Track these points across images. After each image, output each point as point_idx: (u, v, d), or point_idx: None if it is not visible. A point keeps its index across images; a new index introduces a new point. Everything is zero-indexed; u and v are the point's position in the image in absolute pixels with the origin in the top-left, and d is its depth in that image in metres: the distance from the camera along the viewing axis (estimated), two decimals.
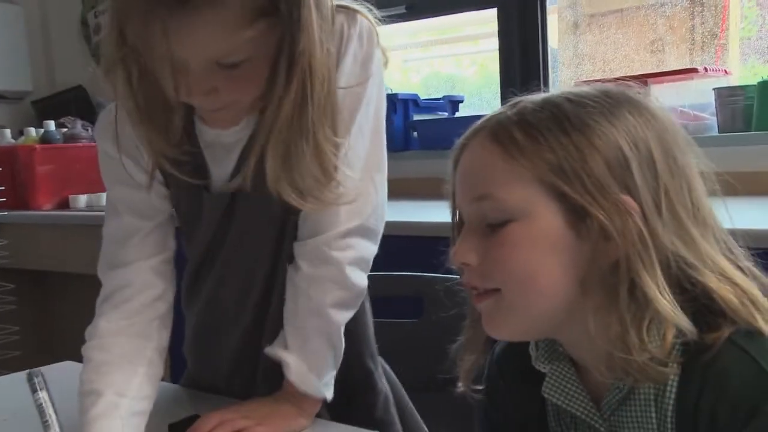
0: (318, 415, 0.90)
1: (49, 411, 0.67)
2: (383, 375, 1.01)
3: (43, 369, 1.20)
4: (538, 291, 0.69)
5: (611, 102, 0.69)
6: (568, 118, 0.67)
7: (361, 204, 0.85)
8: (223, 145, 0.86)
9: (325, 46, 0.77)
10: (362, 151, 0.86)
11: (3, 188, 2.47)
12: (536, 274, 0.68)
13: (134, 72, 0.76)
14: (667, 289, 0.64)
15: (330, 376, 0.89)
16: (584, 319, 0.68)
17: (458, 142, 0.74)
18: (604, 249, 0.65)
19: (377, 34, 0.86)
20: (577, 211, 0.66)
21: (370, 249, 0.89)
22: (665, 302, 0.63)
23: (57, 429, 0.67)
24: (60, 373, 1.19)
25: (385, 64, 0.88)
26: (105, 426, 0.77)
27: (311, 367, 0.86)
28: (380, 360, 1.02)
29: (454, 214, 0.76)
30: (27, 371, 0.69)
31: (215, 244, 0.92)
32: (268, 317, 0.92)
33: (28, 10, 3.16)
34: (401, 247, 1.63)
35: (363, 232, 0.87)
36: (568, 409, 0.74)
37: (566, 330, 0.72)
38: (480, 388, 0.79)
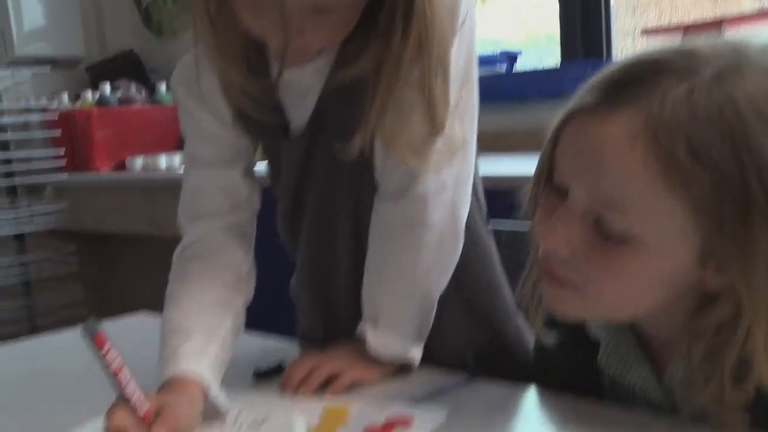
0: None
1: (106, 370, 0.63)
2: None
3: (117, 321, 1.23)
4: (631, 309, 0.64)
5: None
6: (755, 164, 0.54)
7: (459, 157, 0.80)
8: (300, 87, 0.83)
9: None
10: (473, 102, 0.81)
11: (62, 151, 2.52)
12: (638, 300, 0.62)
13: (212, 5, 0.75)
14: None
15: (417, 343, 0.85)
16: (671, 317, 0.63)
17: (587, 99, 0.60)
18: (725, 303, 0.58)
19: None
20: (715, 260, 0.57)
21: (465, 207, 0.85)
22: None
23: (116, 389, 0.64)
24: (133, 324, 1.21)
25: None
26: (194, 367, 0.75)
27: (392, 337, 0.83)
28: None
29: (546, 169, 0.65)
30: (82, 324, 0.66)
31: (300, 194, 0.90)
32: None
33: None
34: None
35: (459, 187, 0.83)
36: (625, 382, 0.70)
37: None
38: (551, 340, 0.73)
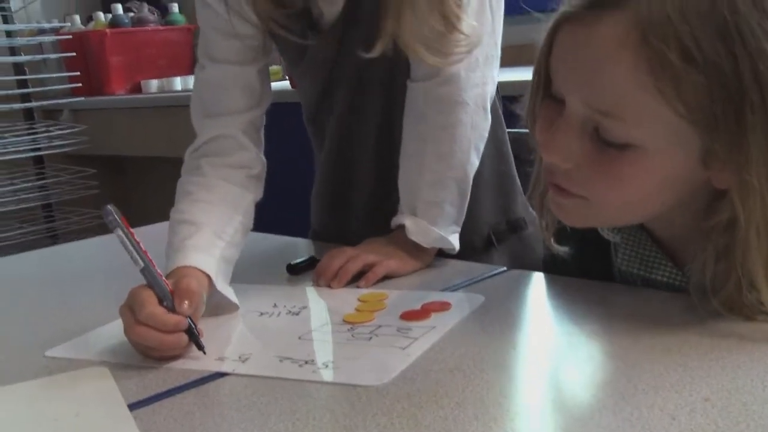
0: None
1: (129, 247, 0.67)
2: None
3: (142, 229, 1.24)
4: (638, 213, 0.64)
5: None
6: (749, 56, 0.53)
7: (488, 36, 0.81)
8: None
9: None
10: None
11: (77, 74, 2.49)
12: (644, 204, 0.61)
13: None
14: None
15: (456, 228, 0.86)
16: (683, 217, 0.63)
17: (575, 2, 0.58)
18: (731, 200, 0.57)
19: None
20: (717, 159, 0.56)
21: (492, 84, 0.85)
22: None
23: (141, 263, 0.67)
24: (158, 231, 1.22)
25: None
26: (203, 260, 0.75)
27: (432, 221, 0.83)
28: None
29: (542, 79, 0.63)
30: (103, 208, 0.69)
31: (329, 91, 0.89)
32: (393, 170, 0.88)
33: None
34: None
35: (488, 64, 0.83)
36: (650, 277, 0.69)
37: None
38: (563, 249, 0.72)
